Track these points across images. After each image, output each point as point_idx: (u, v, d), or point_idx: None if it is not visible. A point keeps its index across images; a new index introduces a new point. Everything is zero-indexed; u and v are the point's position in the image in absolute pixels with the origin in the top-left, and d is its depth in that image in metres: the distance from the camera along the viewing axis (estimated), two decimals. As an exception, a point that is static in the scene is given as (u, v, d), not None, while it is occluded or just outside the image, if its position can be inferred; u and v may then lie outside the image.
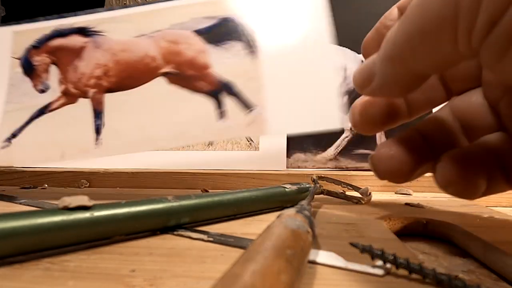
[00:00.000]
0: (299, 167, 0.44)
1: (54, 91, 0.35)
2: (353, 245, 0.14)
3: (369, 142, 0.43)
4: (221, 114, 0.32)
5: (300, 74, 0.31)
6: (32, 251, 0.14)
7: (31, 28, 0.38)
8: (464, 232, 0.20)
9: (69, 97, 0.35)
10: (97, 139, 0.33)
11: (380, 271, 0.14)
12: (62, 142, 0.33)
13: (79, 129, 0.33)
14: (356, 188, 0.31)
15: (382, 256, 0.13)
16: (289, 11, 0.33)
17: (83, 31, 0.37)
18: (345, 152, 0.44)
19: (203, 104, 0.32)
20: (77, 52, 0.36)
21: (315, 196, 0.30)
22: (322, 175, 0.31)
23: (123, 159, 0.45)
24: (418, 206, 0.27)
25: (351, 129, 0.44)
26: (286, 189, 0.25)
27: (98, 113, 0.33)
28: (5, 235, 0.13)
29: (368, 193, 0.29)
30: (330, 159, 0.43)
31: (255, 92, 0.31)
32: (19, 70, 0.37)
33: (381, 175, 0.19)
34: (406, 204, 0.28)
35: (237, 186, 0.37)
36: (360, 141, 0.44)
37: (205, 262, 0.15)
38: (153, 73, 0.34)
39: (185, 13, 0.35)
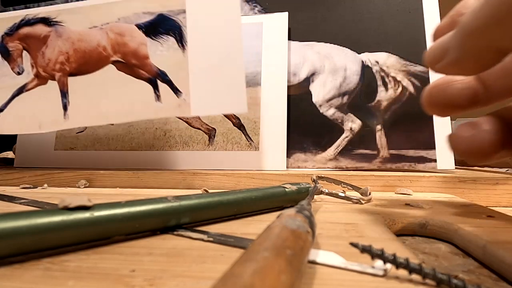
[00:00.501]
0: (299, 167, 0.44)
1: (29, 73, 0.42)
2: (353, 245, 0.14)
3: (369, 142, 0.43)
4: (157, 97, 0.38)
5: (216, 65, 0.37)
6: (32, 251, 0.14)
7: (4, 17, 0.43)
8: (464, 232, 0.20)
9: (40, 79, 0.41)
10: (65, 114, 0.40)
11: (380, 271, 0.14)
12: (39, 116, 0.41)
13: (51, 105, 0.40)
14: (356, 188, 0.31)
15: (382, 256, 0.13)
16: (210, 12, 0.39)
17: (46, 21, 0.41)
18: (345, 152, 0.44)
19: (144, 88, 0.39)
20: (43, 40, 0.41)
21: (315, 196, 0.30)
22: (322, 175, 0.31)
23: (123, 159, 0.45)
24: (418, 206, 0.27)
25: (350, 129, 0.44)
26: (286, 189, 0.25)
27: (64, 93, 0.40)
28: (5, 235, 0.13)
29: (368, 193, 0.29)
30: (330, 159, 0.43)
31: (183, 80, 0.38)
32: (-1, 54, 0.43)
33: (460, 154, 0.19)
34: (406, 204, 0.28)
35: (237, 186, 0.37)
36: (360, 141, 0.44)
37: (205, 262, 0.15)
38: (105, 61, 0.40)
39: (128, 8, 0.40)
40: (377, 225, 0.21)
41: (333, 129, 0.45)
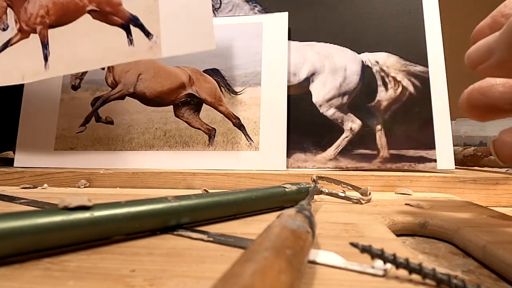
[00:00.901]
0: (299, 167, 0.44)
1: (13, 29, 0.44)
2: (353, 245, 0.14)
3: (369, 142, 0.43)
4: (130, 41, 0.40)
5: (184, 5, 0.39)
6: (32, 251, 0.14)
7: None
8: (464, 232, 0.20)
9: (23, 34, 0.44)
10: (45, 64, 0.42)
11: (380, 271, 0.14)
12: (22, 68, 0.43)
13: (33, 57, 0.42)
14: (356, 188, 0.31)
15: (382, 256, 0.13)
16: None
17: None
18: (345, 152, 0.44)
19: (117, 34, 0.41)
20: None
21: (315, 196, 0.30)
22: (322, 175, 0.31)
23: (123, 158, 0.45)
24: (418, 206, 0.27)
25: (350, 129, 0.44)
26: (286, 189, 0.25)
27: (44, 45, 0.43)
28: (5, 235, 0.13)
29: (368, 193, 0.29)
30: (330, 159, 0.43)
31: (153, 23, 0.40)
32: (-14, 12, 0.45)
33: (503, 160, 0.18)
34: (406, 204, 0.28)
35: (237, 186, 0.37)
36: (360, 141, 0.44)
37: (205, 262, 0.15)
38: (81, 11, 0.42)
39: None
40: (377, 225, 0.21)
41: (333, 129, 0.45)
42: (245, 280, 0.08)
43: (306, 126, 0.45)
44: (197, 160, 0.43)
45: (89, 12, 0.42)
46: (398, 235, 0.22)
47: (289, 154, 0.44)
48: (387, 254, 0.13)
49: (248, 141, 0.43)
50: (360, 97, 0.45)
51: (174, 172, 0.38)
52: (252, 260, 0.10)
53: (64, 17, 0.42)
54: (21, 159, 0.46)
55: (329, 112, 0.45)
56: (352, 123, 0.44)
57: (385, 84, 0.45)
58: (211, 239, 0.18)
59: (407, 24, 0.46)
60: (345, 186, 0.31)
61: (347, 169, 0.43)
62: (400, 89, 0.44)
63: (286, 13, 0.48)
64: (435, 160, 0.41)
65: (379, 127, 0.44)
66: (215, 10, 0.51)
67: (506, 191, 0.33)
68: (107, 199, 0.18)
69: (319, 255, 0.15)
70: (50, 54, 0.42)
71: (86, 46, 0.41)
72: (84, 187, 0.39)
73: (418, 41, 0.45)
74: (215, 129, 0.45)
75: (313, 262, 0.14)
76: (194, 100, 0.46)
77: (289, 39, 0.48)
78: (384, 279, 0.13)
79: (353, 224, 0.21)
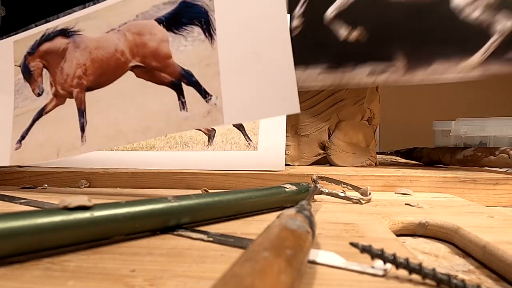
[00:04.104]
0: (438, 80, 0.36)
1: (48, 93, 0.37)
2: (353, 245, 0.14)
3: None
4: (183, 104, 0.31)
5: (255, 58, 0.29)
6: (32, 251, 0.14)
7: (26, 36, 0.39)
8: (464, 232, 0.20)
9: (59, 99, 0.36)
10: (82, 136, 0.35)
11: (380, 271, 0.14)
12: (57, 141, 0.36)
13: (69, 127, 0.35)
14: (356, 188, 0.31)
15: (382, 256, 0.13)
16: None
17: (64, 32, 0.37)
18: (494, 57, 0.36)
19: (166, 96, 0.32)
20: (61, 54, 0.37)
21: (315, 196, 0.30)
22: (322, 175, 0.31)
23: (123, 158, 0.45)
24: (418, 206, 0.27)
25: (502, 30, 0.36)
26: (286, 189, 0.25)
27: (81, 112, 0.35)
28: (5, 235, 0.13)
29: (368, 193, 0.29)
30: (477, 66, 0.36)
31: (212, 80, 0.30)
32: (21, 76, 0.39)
33: None
34: (406, 204, 0.28)
35: (237, 186, 0.37)
36: None
37: (205, 262, 0.15)
38: (123, 68, 0.34)
39: (146, 2, 0.34)
40: (377, 225, 0.21)
41: (479, 33, 0.37)
42: (245, 280, 0.08)
43: (446, 33, 0.39)
44: (197, 160, 0.43)
45: (132, 69, 0.33)
46: (398, 235, 0.22)
47: (425, 64, 0.38)
48: (387, 254, 0.13)
49: (247, 141, 0.43)
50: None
51: (174, 172, 0.38)
52: (252, 260, 0.10)
53: (103, 77, 0.34)
54: (21, 159, 0.46)
55: (474, 14, 0.37)
56: (503, 24, 0.36)
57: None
58: (211, 239, 0.18)
59: None
60: (345, 186, 0.31)
61: (498, 76, 0.36)
62: None
63: (288, 15, 0.48)
64: None
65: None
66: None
67: (506, 191, 0.33)
68: (107, 199, 0.18)
69: (319, 255, 0.15)
70: (88, 123, 0.34)
71: (128, 112, 0.33)
72: (84, 187, 0.39)
73: None
74: (214, 130, 0.45)
75: (313, 262, 0.14)
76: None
77: None
78: (384, 279, 0.13)
79: (353, 224, 0.21)
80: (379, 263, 0.14)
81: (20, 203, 0.27)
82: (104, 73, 0.34)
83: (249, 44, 0.29)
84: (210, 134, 0.45)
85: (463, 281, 0.12)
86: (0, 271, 0.13)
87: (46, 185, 0.39)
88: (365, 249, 0.14)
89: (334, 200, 0.29)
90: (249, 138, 0.44)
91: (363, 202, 0.28)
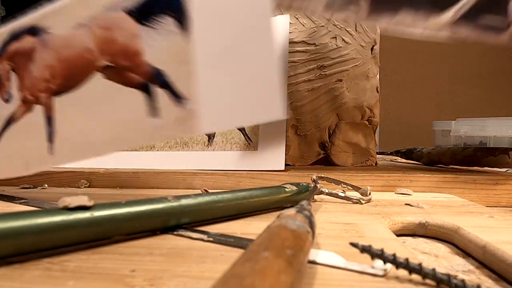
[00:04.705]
0: (403, 33, 0.32)
1: (17, 99, 0.33)
2: (353, 245, 0.14)
3: (501, 9, 0.31)
4: (153, 110, 0.26)
5: (235, 55, 0.25)
6: (32, 251, 0.14)
7: None
8: (464, 232, 0.20)
9: (27, 105, 0.32)
10: (50, 147, 0.30)
11: (380, 271, 0.14)
12: (25, 153, 0.31)
13: (37, 137, 0.31)
14: (356, 188, 0.31)
15: (382, 256, 0.13)
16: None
17: (32, 30, 0.32)
18: (466, 18, 0.31)
19: (136, 100, 0.27)
20: (29, 55, 0.32)
21: (315, 196, 0.30)
22: (322, 175, 0.31)
23: (123, 158, 0.45)
24: (418, 206, 0.27)
25: None
26: (286, 189, 0.25)
27: (49, 119, 0.31)
28: (5, 235, 0.13)
29: (368, 193, 0.29)
30: (446, 25, 0.32)
31: (186, 81, 0.26)
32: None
33: None
34: (406, 204, 0.28)
35: (237, 186, 0.37)
36: (488, 7, 0.31)
37: (205, 262, 0.15)
38: (91, 68, 0.29)
39: None
40: (377, 225, 0.21)
41: None
42: (245, 280, 0.08)
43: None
44: (197, 160, 0.43)
45: (102, 70, 0.29)
46: (398, 235, 0.22)
47: (391, 10, 0.33)
48: (387, 254, 0.13)
49: (247, 141, 0.43)
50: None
51: (174, 172, 0.38)
52: (252, 260, 0.10)
53: (71, 79, 0.30)
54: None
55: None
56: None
57: None
58: (211, 239, 0.18)
59: None
60: (345, 186, 0.31)
61: (466, 40, 0.32)
62: None
63: (288, 16, 0.48)
64: None
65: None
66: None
67: (506, 191, 0.33)
68: (107, 199, 0.18)
69: (319, 255, 0.15)
70: (56, 132, 0.30)
71: (97, 120, 0.29)
72: (84, 187, 0.39)
73: None
74: (215, 129, 0.45)
75: (313, 262, 0.14)
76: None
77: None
78: (384, 279, 0.13)
79: (353, 224, 0.21)
80: (379, 263, 0.14)
81: (20, 203, 0.27)
82: (72, 74, 0.30)
83: (230, 38, 0.25)
84: (210, 134, 0.45)
85: (463, 281, 0.12)
86: (0, 271, 0.13)
87: (46, 185, 0.39)
88: (365, 249, 0.14)
89: (334, 200, 0.29)
90: (249, 138, 0.44)
91: (363, 202, 0.28)
